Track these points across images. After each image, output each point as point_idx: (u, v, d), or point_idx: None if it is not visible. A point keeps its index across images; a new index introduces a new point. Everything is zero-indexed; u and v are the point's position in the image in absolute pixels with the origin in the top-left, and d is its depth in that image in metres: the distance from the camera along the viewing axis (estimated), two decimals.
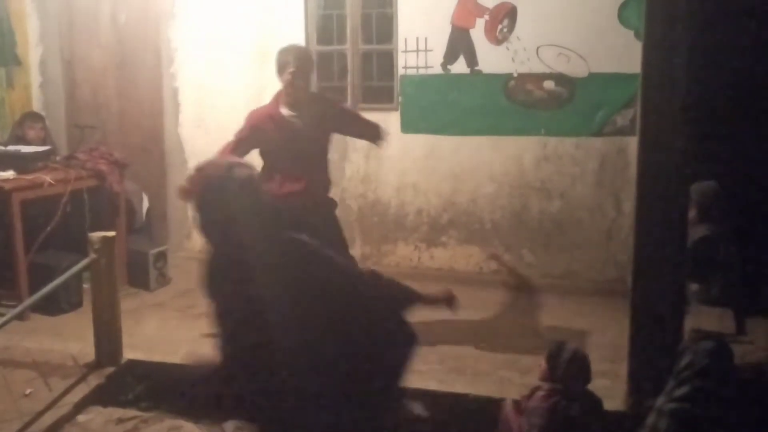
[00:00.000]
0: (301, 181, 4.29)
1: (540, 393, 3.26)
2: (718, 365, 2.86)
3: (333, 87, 5.96)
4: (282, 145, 4.26)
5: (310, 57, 4.44)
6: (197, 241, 6.55)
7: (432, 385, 4.02)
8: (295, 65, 4.19)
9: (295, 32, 6.02)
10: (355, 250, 5.73)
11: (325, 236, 4.37)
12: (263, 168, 4.34)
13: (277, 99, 4.31)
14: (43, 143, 5.68)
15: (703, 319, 4.13)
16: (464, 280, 5.76)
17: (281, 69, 4.25)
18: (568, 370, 3.23)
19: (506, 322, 4.99)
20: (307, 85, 4.37)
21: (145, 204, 6.12)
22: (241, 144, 4.31)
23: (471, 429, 3.85)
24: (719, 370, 2.85)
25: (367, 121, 4.59)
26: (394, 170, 5.85)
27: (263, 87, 6.12)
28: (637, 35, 5.08)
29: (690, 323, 3.82)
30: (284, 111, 4.27)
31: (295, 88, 4.23)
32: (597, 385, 3.43)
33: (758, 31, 4.46)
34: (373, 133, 4.56)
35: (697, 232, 4.08)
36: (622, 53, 5.24)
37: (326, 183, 4.51)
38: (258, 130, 4.29)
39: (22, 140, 5.63)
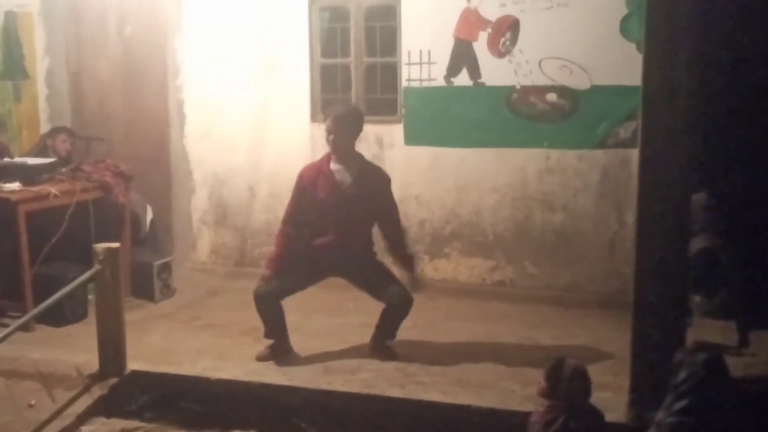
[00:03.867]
0: (336, 235, 4.44)
1: (540, 409, 3.26)
2: (715, 377, 2.86)
3: (337, 99, 5.99)
4: (327, 198, 4.43)
5: (349, 116, 4.48)
6: (202, 253, 6.59)
7: (435, 396, 4.03)
8: (332, 123, 4.41)
9: (299, 45, 6.08)
10: None
11: (362, 279, 4.53)
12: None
13: (328, 155, 4.52)
14: (70, 156, 5.83)
15: (706, 331, 4.13)
16: (467, 292, 5.78)
17: (325, 125, 4.47)
18: (569, 387, 3.22)
19: (509, 333, 4.99)
20: (345, 142, 4.46)
21: (149, 215, 6.15)
22: (297, 204, 4.51)
23: None
24: (717, 382, 2.85)
25: (400, 226, 4.71)
26: (397, 182, 5.80)
27: (268, 99, 6.20)
28: (638, 48, 5.07)
29: (693, 336, 3.83)
30: (333, 166, 4.46)
31: (331, 144, 4.44)
32: (599, 397, 3.43)
33: (760, 42, 4.47)
34: (398, 244, 4.66)
35: (696, 244, 4.09)
36: (624, 66, 5.25)
37: (366, 243, 4.59)
38: (308, 184, 4.47)
39: (51, 150, 5.81)
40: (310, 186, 4.47)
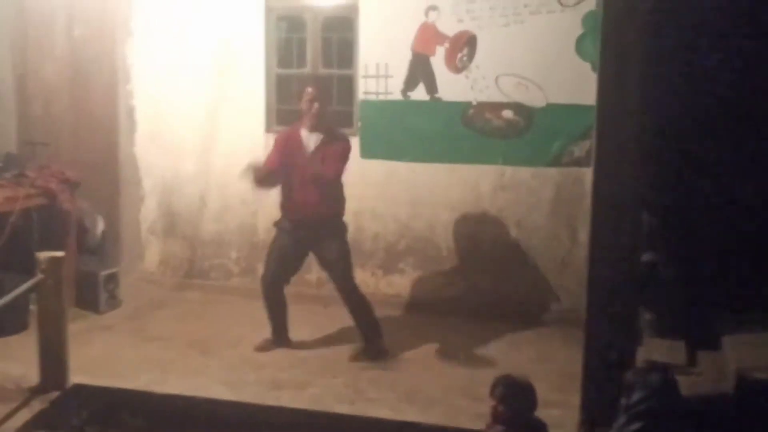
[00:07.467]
0: (306, 200, 4.66)
1: None
2: (668, 399, 2.87)
3: (292, 110, 5.92)
4: (293, 163, 4.66)
5: (327, 85, 4.97)
6: (150, 263, 6.45)
7: (384, 413, 4.00)
8: (313, 90, 4.65)
9: (255, 54, 6.01)
10: (312, 275, 5.69)
11: (328, 256, 4.76)
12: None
13: (300, 121, 4.76)
14: None
15: (655, 349, 4.16)
16: (420, 307, 5.76)
17: (300, 93, 4.72)
18: (523, 405, 3.19)
19: (460, 349, 4.97)
20: (324, 109, 4.71)
21: (101, 225, 5.98)
22: (273, 165, 4.72)
23: None
24: (670, 403, 2.86)
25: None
26: (352, 195, 5.75)
27: (221, 108, 6.13)
28: (593, 67, 5.14)
29: (642, 354, 3.85)
30: (303, 133, 4.70)
31: (314, 112, 4.64)
32: (548, 415, 3.42)
33: (711, 61, 4.54)
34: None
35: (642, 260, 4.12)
36: (579, 85, 5.30)
37: (334, 209, 4.79)
38: (281, 149, 4.75)
39: None
40: (283, 149, 4.74)
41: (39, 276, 4.09)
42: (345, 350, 4.86)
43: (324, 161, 4.64)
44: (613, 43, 3.54)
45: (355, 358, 4.73)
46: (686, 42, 4.39)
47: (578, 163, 5.47)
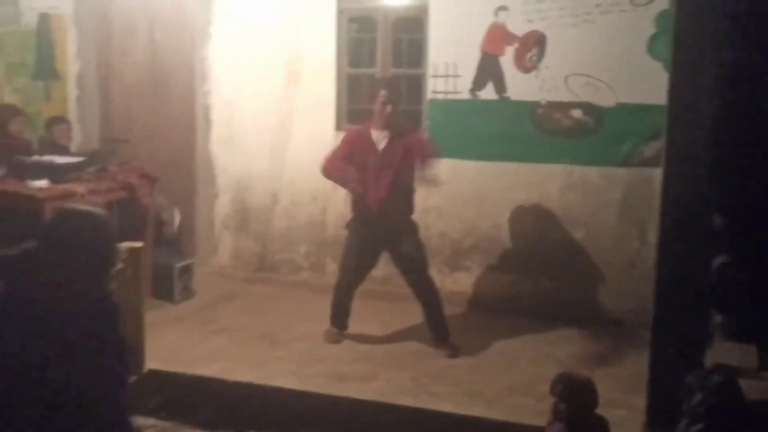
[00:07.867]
0: (378, 197, 4.72)
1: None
2: (730, 401, 2.83)
3: (363, 110, 6.02)
4: (365, 162, 4.73)
5: (399, 87, 5.03)
6: (223, 257, 6.64)
7: (447, 407, 4.04)
8: (386, 93, 4.72)
9: (326, 54, 6.13)
10: (378, 271, 5.76)
11: (404, 251, 4.84)
12: None
13: (370, 120, 4.82)
14: (69, 145, 5.88)
15: (726, 353, 4.09)
16: (485, 305, 5.77)
17: (373, 95, 4.79)
18: (588, 400, 3.18)
19: (524, 348, 4.97)
20: (396, 111, 4.79)
21: (177, 219, 6.21)
22: (339, 156, 4.84)
23: None
24: (732, 405, 2.82)
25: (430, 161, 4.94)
26: (418, 193, 5.86)
27: (293, 106, 6.26)
28: (665, 67, 5.07)
29: (712, 357, 3.79)
30: (374, 132, 4.76)
31: (386, 116, 4.71)
32: (613, 415, 3.40)
33: None
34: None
35: (715, 262, 4.05)
36: (651, 84, 5.23)
37: (405, 207, 4.86)
38: (350, 146, 4.84)
39: (51, 143, 5.84)
40: (354, 147, 4.80)
41: (119, 266, 4.26)
42: (410, 345, 4.93)
43: (400, 156, 4.72)
44: (686, 42, 3.50)
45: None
46: (760, 43, 4.30)
47: (648, 163, 5.39)
